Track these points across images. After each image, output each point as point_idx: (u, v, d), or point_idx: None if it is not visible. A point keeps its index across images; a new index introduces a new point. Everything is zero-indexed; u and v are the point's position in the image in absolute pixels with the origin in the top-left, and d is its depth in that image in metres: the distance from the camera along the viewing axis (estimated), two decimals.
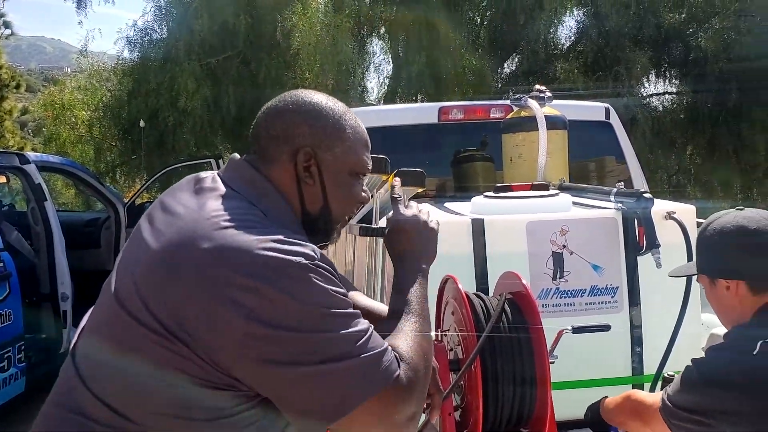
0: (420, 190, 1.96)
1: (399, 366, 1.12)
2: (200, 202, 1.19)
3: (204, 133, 9.85)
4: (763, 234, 1.64)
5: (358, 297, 1.63)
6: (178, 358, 1.08)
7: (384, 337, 1.16)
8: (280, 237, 1.11)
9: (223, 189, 1.23)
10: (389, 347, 1.13)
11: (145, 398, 1.10)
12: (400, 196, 1.47)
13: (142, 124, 9.39)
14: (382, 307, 1.62)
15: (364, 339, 1.10)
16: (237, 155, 1.34)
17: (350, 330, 1.09)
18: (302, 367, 1.06)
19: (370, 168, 1.36)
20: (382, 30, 11.17)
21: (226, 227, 1.11)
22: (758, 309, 1.66)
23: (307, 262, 1.10)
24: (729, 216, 1.69)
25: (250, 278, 1.06)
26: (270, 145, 1.28)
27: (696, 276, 1.80)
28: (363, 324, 1.12)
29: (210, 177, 1.28)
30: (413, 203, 1.47)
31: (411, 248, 1.38)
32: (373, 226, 2.00)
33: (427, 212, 1.44)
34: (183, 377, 1.08)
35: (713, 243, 1.69)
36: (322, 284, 1.10)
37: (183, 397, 1.09)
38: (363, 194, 1.37)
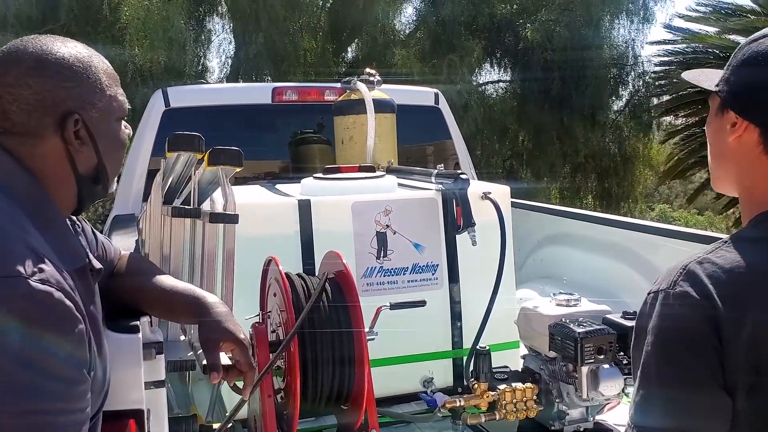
0: (238, 170, 1.91)
1: None
2: None
3: None
4: None
5: (167, 280, 1.57)
6: None
7: None
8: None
9: None
10: None
11: None
12: None
13: None
14: (189, 287, 1.57)
15: None
16: None
17: None
18: None
19: (127, 104, 1.30)
20: (222, 8, 10.85)
21: None
22: None
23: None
24: None
25: None
26: (21, 118, 1.14)
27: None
28: None
29: None
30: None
31: None
32: (189, 207, 1.94)
33: None
34: None
35: (747, 57, 1.15)
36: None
37: None
38: (126, 133, 1.31)
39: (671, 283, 1.13)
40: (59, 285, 1.03)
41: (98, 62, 1.24)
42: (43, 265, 1.02)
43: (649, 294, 1.16)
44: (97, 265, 1.26)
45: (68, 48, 1.20)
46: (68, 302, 1.03)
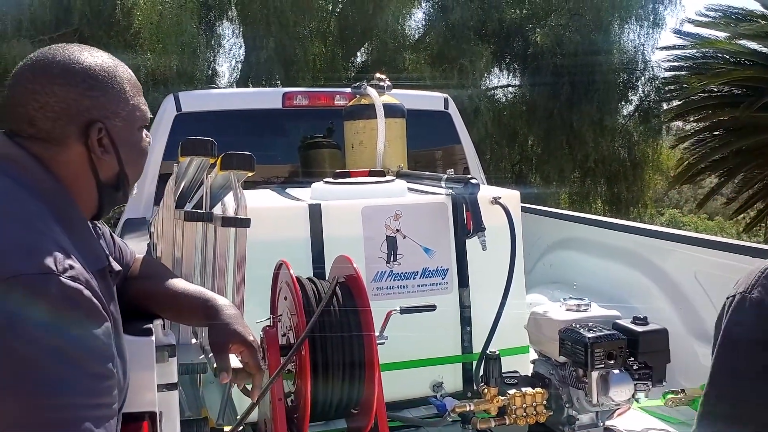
0: (250, 174, 1.93)
1: None
2: None
3: None
4: None
5: (178, 283, 1.58)
6: None
7: None
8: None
9: None
10: None
11: None
12: None
13: None
14: (200, 290, 1.59)
15: None
16: None
17: None
18: None
19: (149, 113, 1.33)
20: (232, 13, 10.90)
21: None
22: None
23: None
24: None
25: None
26: (46, 125, 1.17)
27: None
28: None
29: None
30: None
31: None
32: (201, 211, 1.96)
33: None
34: None
35: None
36: None
37: None
38: (147, 141, 1.33)
39: (749, 286, 1.08)
40: (87, 283, 1.05)
41: (123, 72, 1.26)
42: (72, 263, 1.05)
43: (727, 298, 1.11)
44: (117, 267, 1.28)
45: (94, 57, 1.23)
46: (96, 300, 1.05)
